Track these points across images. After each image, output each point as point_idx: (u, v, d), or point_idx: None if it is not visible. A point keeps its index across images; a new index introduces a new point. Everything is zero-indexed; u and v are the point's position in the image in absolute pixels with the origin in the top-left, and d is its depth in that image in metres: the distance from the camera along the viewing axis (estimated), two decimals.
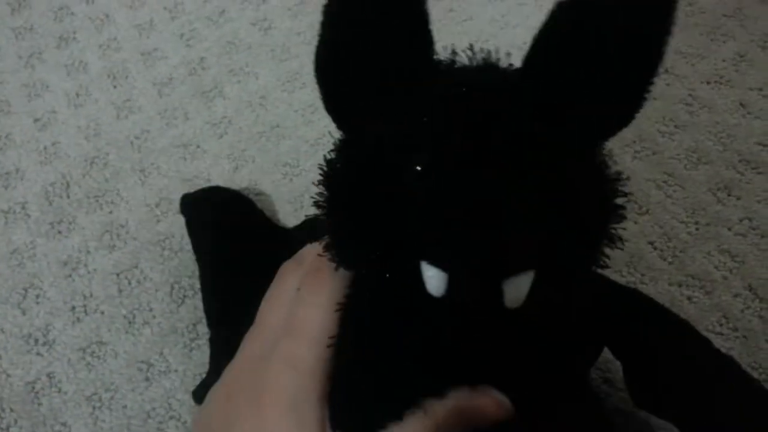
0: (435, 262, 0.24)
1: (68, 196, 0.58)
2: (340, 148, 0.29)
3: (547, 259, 0.25)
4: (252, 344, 0.34)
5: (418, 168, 0.24)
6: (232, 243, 0.50)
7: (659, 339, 0.35)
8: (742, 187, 0.54)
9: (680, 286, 0.51)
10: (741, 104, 0.59)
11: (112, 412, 0.48)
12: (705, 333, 0.47)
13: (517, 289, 0.24)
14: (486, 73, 0.27)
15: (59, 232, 0.56)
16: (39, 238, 0.56)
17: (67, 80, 0.66)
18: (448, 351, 0.28)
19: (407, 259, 0.25)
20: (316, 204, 0.28)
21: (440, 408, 0.28)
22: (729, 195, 0.54)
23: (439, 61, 0.27)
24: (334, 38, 0.27)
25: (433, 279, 0.24)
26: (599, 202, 0.27)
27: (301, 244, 0.37)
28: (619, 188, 0.27)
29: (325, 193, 0.28)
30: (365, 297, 0.30)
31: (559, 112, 0.25)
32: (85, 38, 0.70)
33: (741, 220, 0.53)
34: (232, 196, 0.55)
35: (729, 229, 0.53)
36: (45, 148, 0.62)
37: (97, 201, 0.58)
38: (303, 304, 0.32)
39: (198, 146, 0.61)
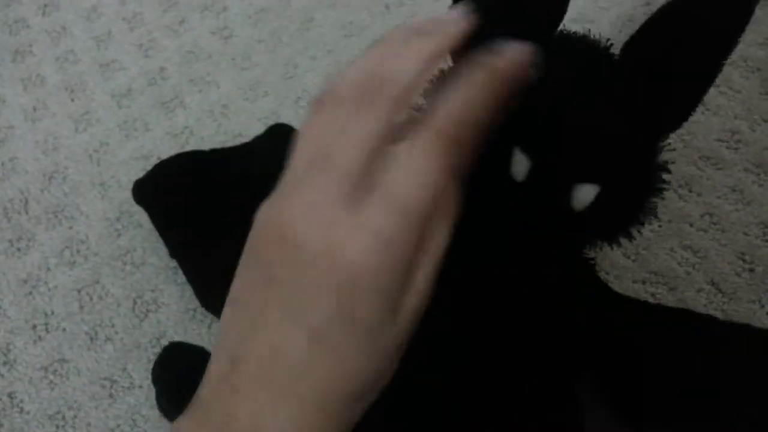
0: (527, 152, 0.29)
1: (27, 213, 0.57)
2: None
3: (611, 180, 0.30)
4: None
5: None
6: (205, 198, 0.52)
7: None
8: (702, 183, 0.55)
9: (644, 283, 0.51)
10: None
11: (75, 431, 0.47)
12: None
13: (584, 194, 0.29)
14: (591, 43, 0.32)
15: (18, 250, 0.55)
16: None
17: (24, 94, 0.65)
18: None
19: (504, 141, 0.30)
20: None
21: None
22: (690, 191, 0.55)
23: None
24: None
25: (520, 164, 0.30)
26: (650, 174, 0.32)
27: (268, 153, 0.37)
28: (664, 168, 0.33)
29: None
30: None
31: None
32: (42, 51, 0.69)
33: (702, 216, 0.53)
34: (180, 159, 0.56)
35: (691, 225, 0.53)
36: (2, 164, 0.60)
37: (56, 217, 0.57)
38: None
39: (159, 158, 0.60)
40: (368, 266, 0.24)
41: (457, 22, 0.27)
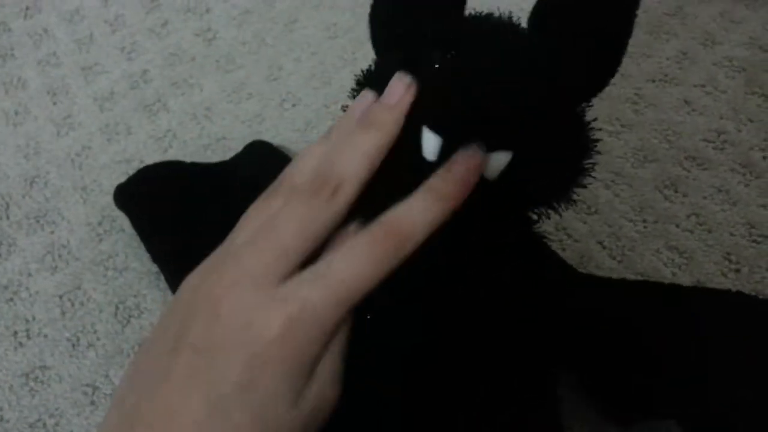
0: (434, 128, 0.29)
1: (8, 218, 0.57)
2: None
3: (523, 146, 0.29)
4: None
5: (437, 65, 0.30)
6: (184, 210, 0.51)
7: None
8: (688, 184, 0.55)
9: None
10: (685, 101, 0.60)
11: None
12: None
13: (497, 162, 0.29)
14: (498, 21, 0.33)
15: None
16: None
17: (5, 98, 0.64)
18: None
19: (413, 123, 0.30)
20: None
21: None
22: (676, 192, 0.55)
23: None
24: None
25: (430, 142, 0.29)
26: (573, 136, 0.32)
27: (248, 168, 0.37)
28: (591, 133, 0.33)
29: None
30: None
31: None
32: (24, 54, 0.68)
33: (688, 217, 0.53)
34: (163, 168, 0.55)
35: (677, 226, 0.53)
36: None
37: (38, 221, 0.56)
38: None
39: (141, 161, 0.59)
40: (283, 340, 0.25)
41: (393, 108, 0.30)
